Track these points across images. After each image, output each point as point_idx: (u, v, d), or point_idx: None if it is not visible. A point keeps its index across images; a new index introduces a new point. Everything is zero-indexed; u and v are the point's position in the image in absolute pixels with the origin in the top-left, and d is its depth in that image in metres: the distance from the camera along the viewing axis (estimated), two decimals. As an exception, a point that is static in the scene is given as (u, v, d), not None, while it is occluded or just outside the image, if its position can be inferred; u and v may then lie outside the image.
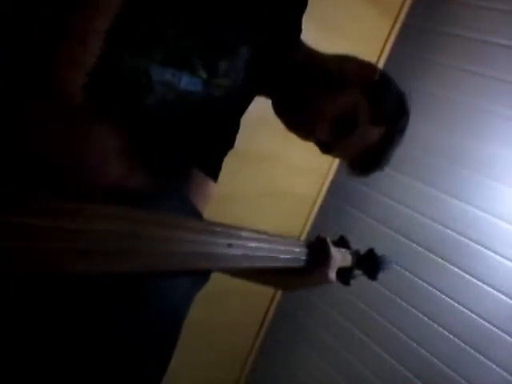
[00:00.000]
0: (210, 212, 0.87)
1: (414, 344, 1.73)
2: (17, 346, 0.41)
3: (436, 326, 1.69)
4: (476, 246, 1.62)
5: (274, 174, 1.82)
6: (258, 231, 0.60)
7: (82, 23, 0.49)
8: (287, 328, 2.18)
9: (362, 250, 0.97)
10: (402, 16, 1.88)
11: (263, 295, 2.18)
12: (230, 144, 0.84)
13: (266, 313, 2.21)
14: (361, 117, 0.76)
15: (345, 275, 0.89)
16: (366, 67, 0.78)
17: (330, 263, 0.77)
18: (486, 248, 1.60)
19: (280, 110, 0.81)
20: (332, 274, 0.78)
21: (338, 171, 2.05)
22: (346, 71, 0.76)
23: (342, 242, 0.91)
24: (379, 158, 0.83)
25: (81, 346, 0.44)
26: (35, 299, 0.41)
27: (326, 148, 0.82)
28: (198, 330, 1.66)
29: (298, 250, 0.74)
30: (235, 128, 0.84)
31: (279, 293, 2.19)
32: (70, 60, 0.48)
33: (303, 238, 2.09)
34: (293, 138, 0.85)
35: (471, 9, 1.72)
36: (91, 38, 0.50)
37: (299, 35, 0.78)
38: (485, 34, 1.67)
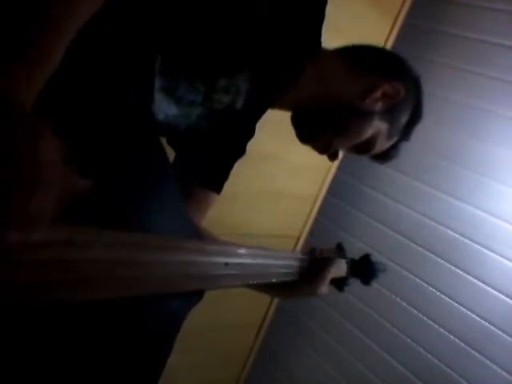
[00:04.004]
0: (210, 213, 0.87)
1: (414, 344, 1.73)
2: (18, 352, 0.41)
3: (436, 326, 1.68)
4: (476, 245, 1.62)
5: (274, 174, 1.82)
6: (254, 247, 0.61)
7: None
8: (287, 328, 2.18)
9: (361, 249, 0.97)
10: (402, 16, 1.88)
11: (263, 296, 2.18)
12: (239, 153, 0.84)
13: (266, 313, 2.21)
14: (379, 139, 0.77)
15: (339, 283, 0.90)
16: (389, 91, 0.72)
17: (323, 276, 0.78)
18: (486, 248, 1.59)
19: (300, 134, 0.81)
20: (324, 287, 0.80)
21: (339, 171, 2.05)
22: (369, 104, 0.72)
23: (338, 250, 0.92)
24: (385, 157, 0.84)
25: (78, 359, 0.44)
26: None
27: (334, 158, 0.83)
28: (199, 330, 1.66)
29: (292, 263, 0.75)
30: (246, 137, 0.84)
31: (279, 293, 2.18)
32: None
33: (303, 237, 2.09)
34: (293, 138, 0.84)
35: (471, 9, 1.71)
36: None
37: (315, 51, 0.74)
38: (485, 33, 1.66)
